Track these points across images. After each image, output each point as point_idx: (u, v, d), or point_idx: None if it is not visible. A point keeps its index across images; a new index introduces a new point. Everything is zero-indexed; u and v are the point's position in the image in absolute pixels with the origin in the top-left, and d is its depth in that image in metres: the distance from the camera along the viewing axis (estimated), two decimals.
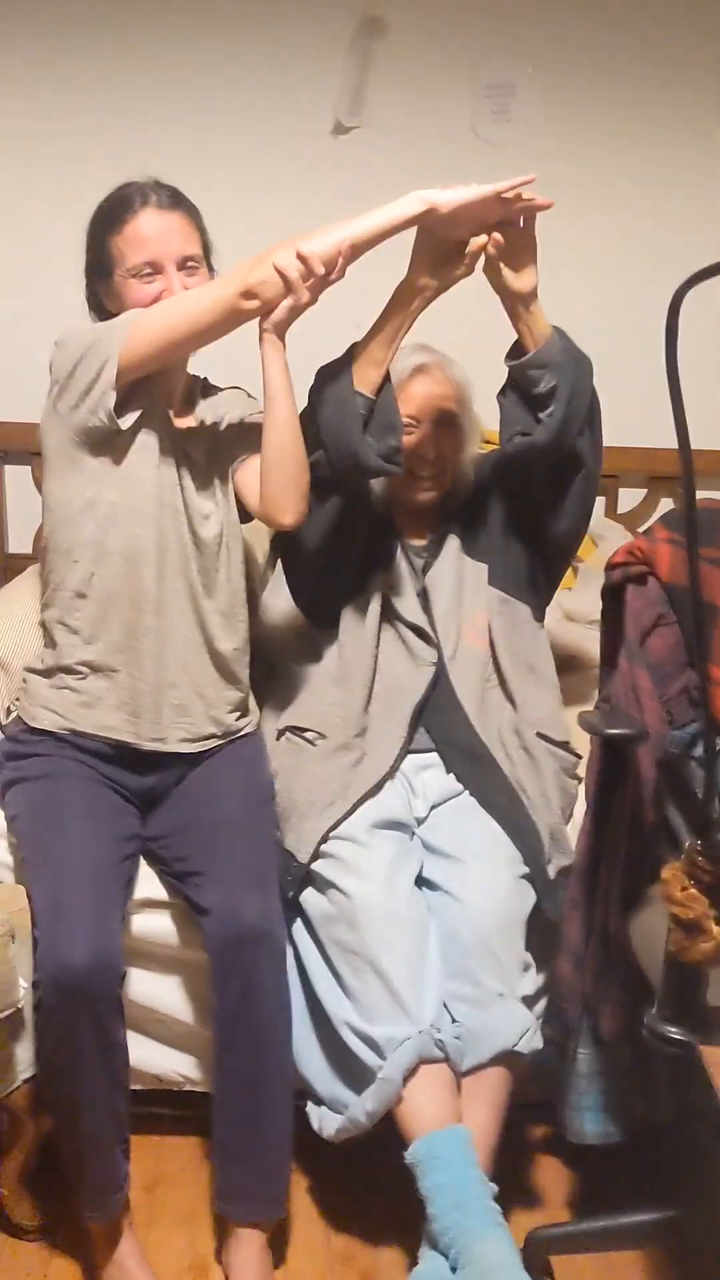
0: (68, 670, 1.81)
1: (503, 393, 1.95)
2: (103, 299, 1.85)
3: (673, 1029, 1.27)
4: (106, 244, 1.80)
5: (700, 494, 1.79)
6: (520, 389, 1.91)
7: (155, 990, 1.88)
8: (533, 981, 1.78)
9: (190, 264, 1.79)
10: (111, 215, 1.80)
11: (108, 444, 1.76)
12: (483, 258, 1.79)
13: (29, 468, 2.81)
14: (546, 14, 2.75)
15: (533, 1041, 1.71)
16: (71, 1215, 1.73)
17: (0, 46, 2.70)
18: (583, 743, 1.79)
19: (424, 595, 2.04)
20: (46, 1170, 1.78)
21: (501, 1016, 1.69)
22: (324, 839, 1.80)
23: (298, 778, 1.89)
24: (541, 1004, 1.82)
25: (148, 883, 1.84)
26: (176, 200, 1.82)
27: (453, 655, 1.99)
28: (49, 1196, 1.79)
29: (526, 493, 2.00)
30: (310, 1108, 1.77)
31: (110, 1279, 1.68)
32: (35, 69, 2.71)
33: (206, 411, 1.89)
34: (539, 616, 2.11)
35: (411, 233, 1.77)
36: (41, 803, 1.77)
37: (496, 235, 1.77)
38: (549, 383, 1.86)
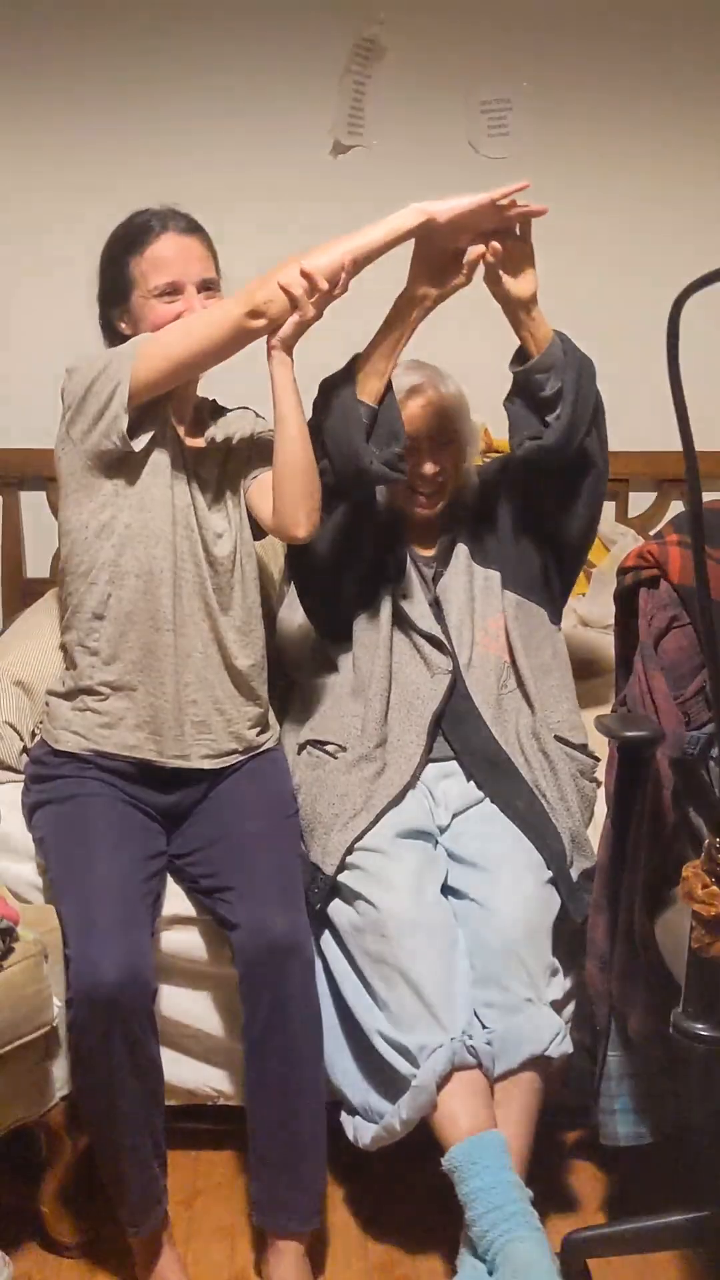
0: (88, 691, 1.84)
1: (509, 399, 1.97)
2: (116, 322, 1.88)
3: (699, 1026, 1.28)
4: (126, 266, 1.83)
5: (713, 495, 1.82)
6: (526, 394, 1.93)
7: (186, 1006, 1.90)
8: (561, 986, 1.79)
9: (209, 287, 1.83)
10: (131, 238, 1.84)
11: (121, 467, 1.79)
12: (482, 266, 1.82)
13: (44, 494, 2.85)
14: (541, 28, 2.78)
15: (562, 1046, 1.72)
16: (112, 1231, 1.75)
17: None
18: (601, 746, 1.80)
19: (436, 605, 2.06)
20: (86, 1187, 1.80)
21: (531, 1022, 1.70)
22: (349, 851, 1.82)
23: (320, 791, 1.91)
24: (571, 1008, 1.83)
25: (175, 899, 1.86)
26: (194, 226, 1.87)
27: (468, 663, 2.00)
28: (89, 1213, 1.81)
29: (538, 495, 2.02)
30: (345, 1118, 1.79)
31: None
32: (36, 100, 2.75)
33: (216, 431, 1.91)
34: (555, 620, 2.12)
35: (410, 243, 1.79)
36: (68, 824, 1.79)
37: (494, 244, 1.79)
38: (554, 386, 1.88)
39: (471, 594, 2.06)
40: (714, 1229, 1.65)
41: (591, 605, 2.69)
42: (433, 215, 1.73)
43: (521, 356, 1.92)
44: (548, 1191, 1.78)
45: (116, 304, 1.86)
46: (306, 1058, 1.71)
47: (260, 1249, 1.76)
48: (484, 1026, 1.72)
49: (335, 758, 1.95)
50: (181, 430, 1.85)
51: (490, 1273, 1.55)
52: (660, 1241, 1.72)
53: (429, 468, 2.02)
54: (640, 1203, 1.81)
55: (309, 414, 1.86)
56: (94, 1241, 1.80)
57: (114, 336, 1.88)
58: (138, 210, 1.87)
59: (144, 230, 1.83)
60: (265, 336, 1.74)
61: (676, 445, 1.14)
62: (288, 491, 1.81)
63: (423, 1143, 1.67)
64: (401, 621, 2.03)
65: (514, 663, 2.03)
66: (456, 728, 1.98)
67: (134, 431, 1.75)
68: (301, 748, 2.01)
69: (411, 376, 2.03)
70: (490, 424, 2.60)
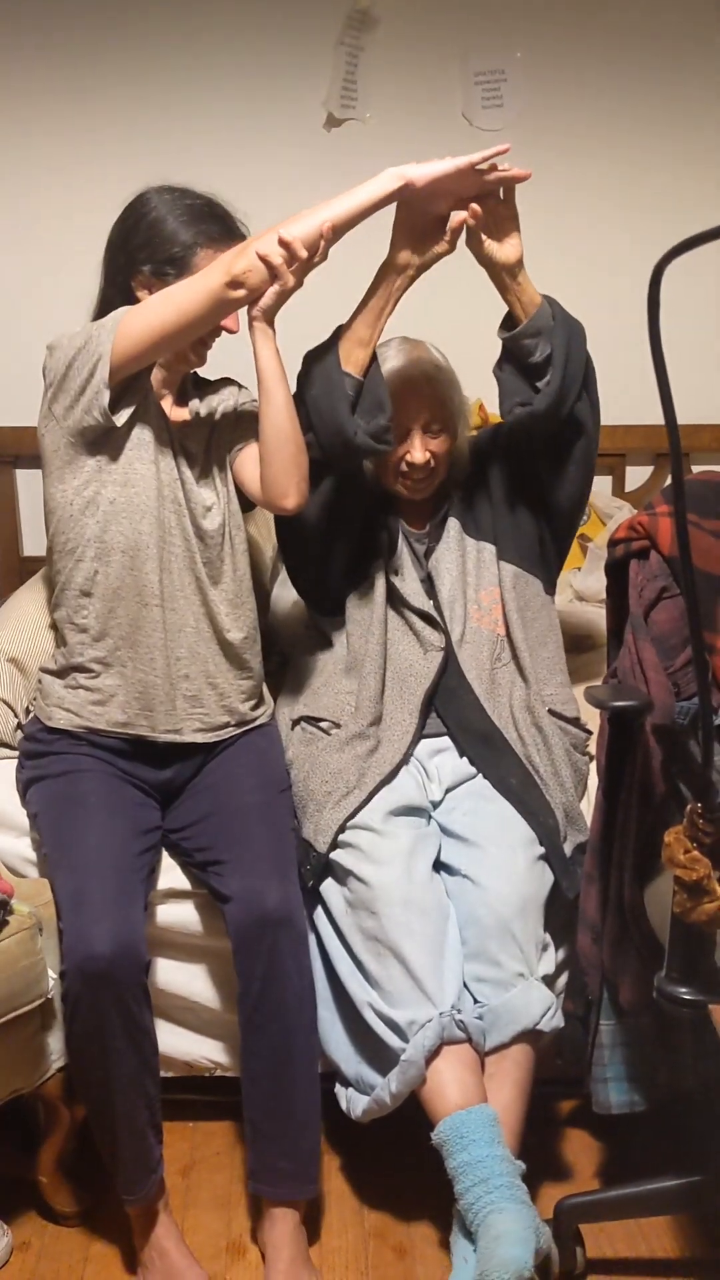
0: (79, 669, 1.85)
1: (499, 366, 1.94)
2: (138, 290, 1.81)
3: (683, 989, 1.28)
4: (194, 249, 1.78)
5: (707, 468, 1.82)
6: (516, 360, 1.90)
7: (181, 978, 1.91)
8: (553, 961, 1.79)
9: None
10: (211, 225, 1.79)
11: (104, 442, 1.78)
12: (465, 232, 1.80)
13: (40, 471, 2.84)
14: None
15: (554, 1020, 1.72)
16: (109, 1201, 1.77)
17: None
18: (593, 719, 1.80)
19: (428, 581, 2.05)
20: (84, 1157, 1.82)
21: (523, 996, 1.71)
22: (341, 828, 1.82)
23: (314, 768, 1.91)
24: (562, 981, 1.84)
25: (170, 873, 1.88)
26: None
27: (460, 638, 2.00)
28: (87, 1183, 1.83)
29: (529, 463, 2.00)
30: (338, 1089, 1.80)
31: (149, 1261, 1.71)
32: (28, 71, 2.74)
33: (200, 404, 1.89)
34: (549, 590, 2.11)
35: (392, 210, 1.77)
36: (62, 799, 1.80)
37: (475, 207, 1.77)
38: (544, 350, 1.86)
39: (463, 568, 2.05)
40: (705, 1194, 1.66)
41: (587, 579, 2.70)
42: (411, 180, 1.71)
43: (510, 322, 1.90)
44: (541, 1159, 1.79)
45: (156, 270, 1.79)
46: (300, 1028, 1.72)
47: (257, 1217, 1.79)
48: (476, 1001, 1.73)
49: (329, 734, 1.95)
50: (167, 404, 1.85)
51: (475, 1250, 1.56)
52: (652, 1207, 1.74)
53: (419, 455, 1.97)
54: (632, 1169, 1.83)
55: (293, 386, 1.85)
56: (92, 1211, 1.82)
57: (123, 294, 1.82)
58: (198, 193, 1.81)
59: (231, 229, 1.79)
60: (246, 308, 1.73)
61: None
62: (275, 462, 1.80)
63: (419, 1112, 1.68)
64: (394, 599, 2.03)
65: (509, 635, 2.02)
66: (449, 704, 1.98)
67: (115, 406, 1.75)
68: (295, 723, 2.02)
69: (399, 359, 1.99)
70: (485, 399, 2.59)
